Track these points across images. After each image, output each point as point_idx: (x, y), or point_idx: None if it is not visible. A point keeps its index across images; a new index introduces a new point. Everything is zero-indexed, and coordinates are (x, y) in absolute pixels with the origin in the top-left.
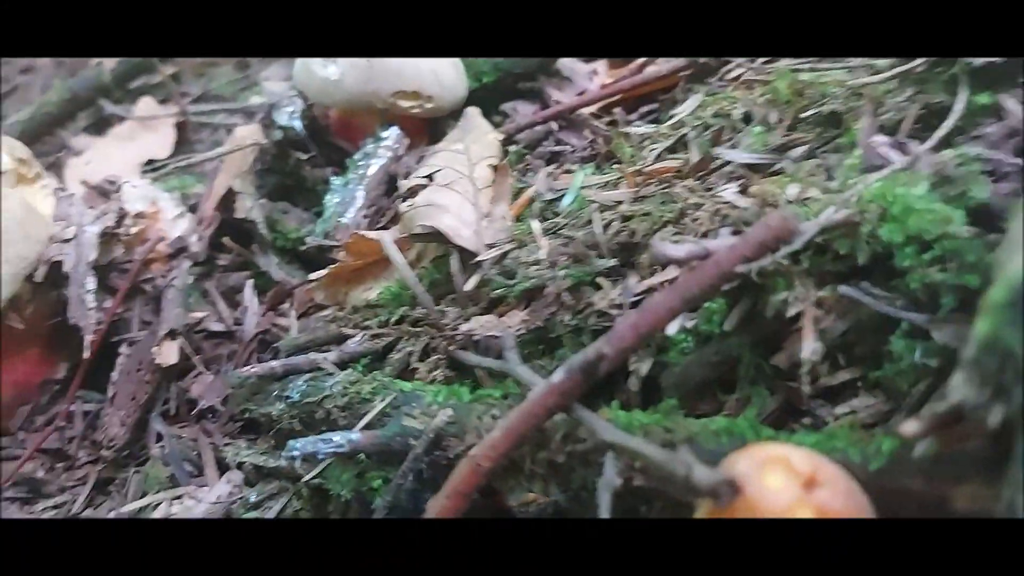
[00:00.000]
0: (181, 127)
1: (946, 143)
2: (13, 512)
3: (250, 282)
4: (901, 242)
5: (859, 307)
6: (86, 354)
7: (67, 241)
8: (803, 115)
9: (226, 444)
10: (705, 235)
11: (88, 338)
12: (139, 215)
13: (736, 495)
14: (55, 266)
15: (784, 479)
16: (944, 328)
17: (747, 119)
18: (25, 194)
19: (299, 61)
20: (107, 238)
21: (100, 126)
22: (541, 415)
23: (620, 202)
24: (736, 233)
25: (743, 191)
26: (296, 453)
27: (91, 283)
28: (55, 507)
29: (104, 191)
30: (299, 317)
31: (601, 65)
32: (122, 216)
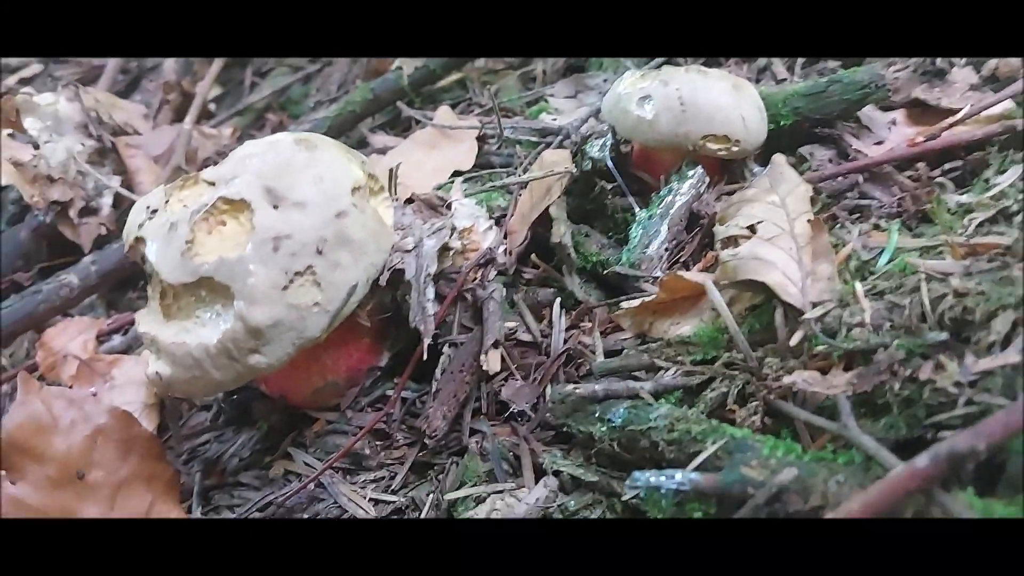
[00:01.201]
0: (480, 139)
1: None
2: (337, 480)
3: (558, 300)
4: None
5: None
6: (425, 356)
7: (408, 251)
8: None
9: (543, 451)
10: None
11: (426, 341)
12: (464, 231)
13: None
14: (397, 273)
15: None
16: None
17: None
18: (375, 206)
19: (612, 96)
20: (442, 252)
21: (395, 124)
22: (901, 496)
23: (949, 274)
24: None
25: None
26: (640, 485)
27: (431, 292)
28: (374, 480)
29: (432, 204)
30: (601, 336)
31: (900, 115)
32: (453, 231)
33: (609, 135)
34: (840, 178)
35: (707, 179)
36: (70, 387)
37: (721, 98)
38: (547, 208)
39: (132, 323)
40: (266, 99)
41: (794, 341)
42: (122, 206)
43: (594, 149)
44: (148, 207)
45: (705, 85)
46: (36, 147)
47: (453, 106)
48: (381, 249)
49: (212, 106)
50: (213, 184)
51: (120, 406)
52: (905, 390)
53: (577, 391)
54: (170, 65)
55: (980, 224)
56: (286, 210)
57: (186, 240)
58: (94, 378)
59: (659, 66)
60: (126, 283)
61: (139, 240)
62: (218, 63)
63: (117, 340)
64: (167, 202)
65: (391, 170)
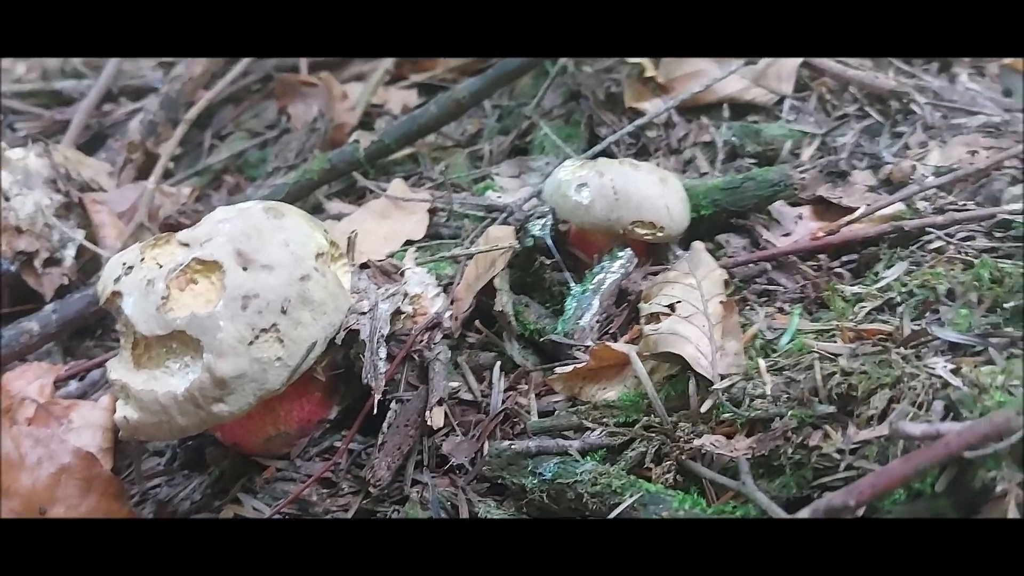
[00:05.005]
0: (431, 212)
1: None
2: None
3: (498, 364)
4: None
5: None
6: (375, 411)
7: (363, 314)
8: (1005, 305)
9: (479, 501)
10: (920, 406)
11: (376, 397)
12: (415, 296)
13: None
14: (352, 333)
15: None
16: None
17: (950, 295)
18: (335, 270)
19: (553, 182)
20: (395, 315)
21: (349, 193)
22: None
23: (838, 355)
24: (948, 408)
25: (955, 370)
26: None
27: (383, 352)
28: None
29: (386, 270)
30: (536, 398)
31: (807, 210)
32: (405, 297)
33: (549, 216)
34: (751, 265)
35: (635, 260)
36: None
37: (649, 189)
38: (492, 279)
39: (89, 369)
40: (224, 161)
41: (704, 408)
42: (83, 258)
43: (535, 228)
44: (124, 263)
45: (636, 177)
46: (7, 199)
47: (405, 179)
48: (339, 310)
49: (171, 165)
50: (187, 245)
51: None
52: (797, 455)
53: (512, 447)
54: (135, 125)
55: (868, 312)
56: (255, 271)
57: (162, 296)
58: (51, 421)
59: (594, 157)
60: (84, 332)
61: (116, 294)
62: (182, 127)
63: (74, 386)
64: (142, 260)
65: (350, 238)
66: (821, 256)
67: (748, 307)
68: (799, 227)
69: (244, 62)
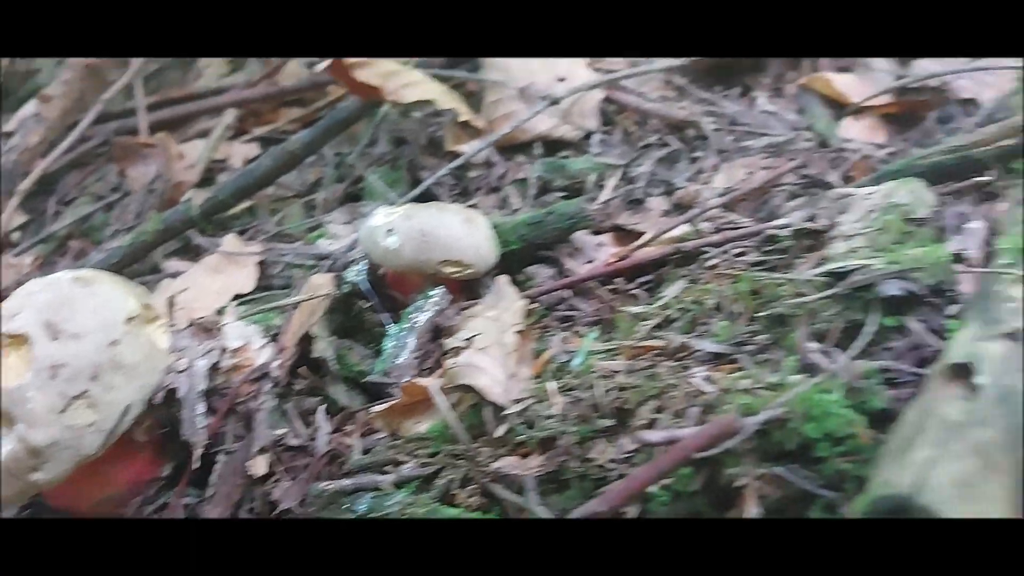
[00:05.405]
0: (262, 264)
1: (862, 353)
2: None
3: (323, 407)
4: (819, 438)
5: (788, 483)
6: (196, 464)
7: (180, 372)
8: (758, 313)
9: None
10: (679, 414)
11: (197, 452)
12: (236, 350)
13: None
14: (170, 392)
15: None
16: (848, 505)
17: (718, 308)
18: (149, 332)
19: (365, 230)
20: (213, 370)
21: (187, 251)
22: None
23: (617, 372)
24: (703, 414)
25: (708, 378)
26: None
27: (201, 408)
28: None
29: (207, 327)
30: (361, 437)
31: (608, 237)
32: (223, 352)
33: (365, 261)
34: (553, 293)
35: (449, 297)
36: None
37: (455, 229)
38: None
39: None
40: (68, 227)
41: (498, 433)
42: None
43: (351, 274)
44: None
45: (442, 219)
46: None
47: (242, 232)
48: (155, 371)
49: (17, 235)
50: None
51: None
52: (581, 468)
53: (330, 487)
54: None
55: (651, 330)
56: (64, 341)
57: None
58: None
59: (414, 200)
60: None
61: None
62: (16, 198)
63: None
64: None
65: (169, 299)
66: (618, 280)
67: (550, 333)
68: (600, 254)
69: (81, 127)
